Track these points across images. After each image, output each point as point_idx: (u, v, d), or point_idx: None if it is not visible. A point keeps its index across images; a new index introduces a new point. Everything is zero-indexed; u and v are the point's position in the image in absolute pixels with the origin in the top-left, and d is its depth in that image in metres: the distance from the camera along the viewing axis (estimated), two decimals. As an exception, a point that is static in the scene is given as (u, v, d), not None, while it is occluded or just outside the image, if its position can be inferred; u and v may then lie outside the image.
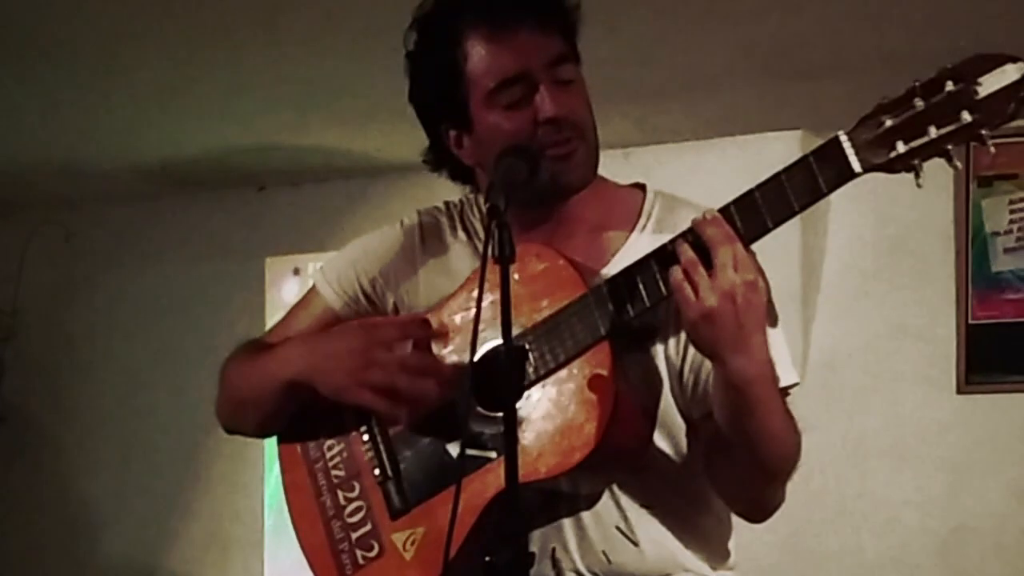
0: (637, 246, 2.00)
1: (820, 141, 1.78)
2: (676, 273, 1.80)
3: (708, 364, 1.91)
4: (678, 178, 4.20)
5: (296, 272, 5.19)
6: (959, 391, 4.41)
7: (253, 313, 5.19)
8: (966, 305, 4.39)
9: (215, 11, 3.55)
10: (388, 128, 4.42)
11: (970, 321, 4.39)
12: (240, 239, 5.41)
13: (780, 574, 4.45)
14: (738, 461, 1.90)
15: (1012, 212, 4.35)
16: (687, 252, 1.81)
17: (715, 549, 2.08)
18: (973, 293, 4.39)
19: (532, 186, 1.92)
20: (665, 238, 1.91)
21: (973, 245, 4.37)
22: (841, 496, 4.48)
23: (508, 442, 1.74)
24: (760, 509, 2.01)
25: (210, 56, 3.89)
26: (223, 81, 4.13)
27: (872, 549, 4.49)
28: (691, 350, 1.95)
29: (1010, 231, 4.36)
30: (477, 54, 1.96)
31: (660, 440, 2.01)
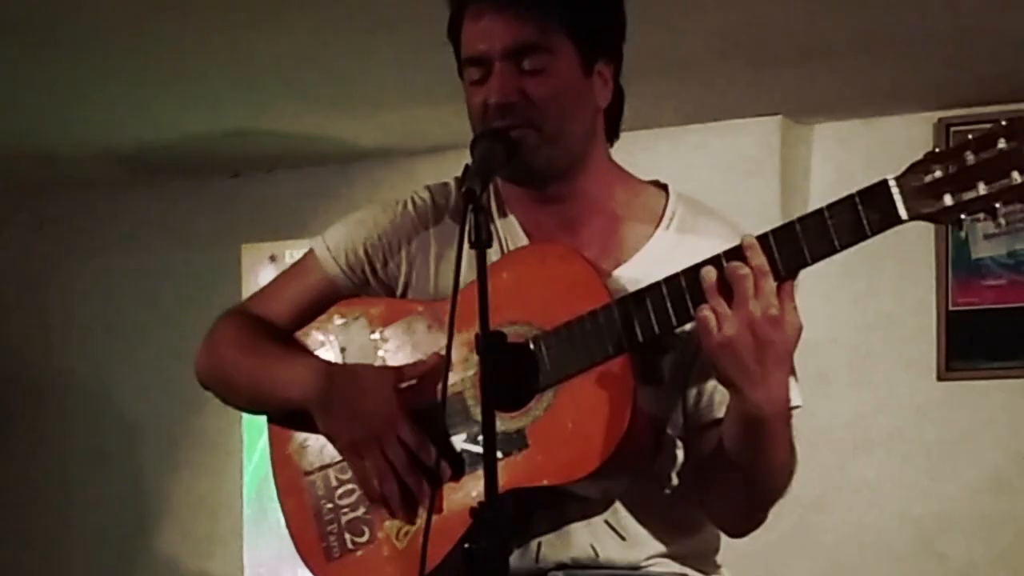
0: (660, 245, 1.99)
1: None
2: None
3: (713, 380, 1.89)
4: (655, 165, 4.13)
5: (272, 259, 5.17)
6: (940, 378, 4.42)
7: (229, 300, 5.11)
8: (946, 291, 4.39)
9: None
10: (363, 114, 4.41)
11: (950, 308, 4.39)
12: (215, 226, 5.37)
13: (760, 559, 4.43)
14: (733, 484, 1.90)
15: (992, 198, 4.34)
16: (711, 278, 1.77)
17: (704, 538, 2.07)
18: (953, 279, 4.38)
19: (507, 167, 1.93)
20: (687, 241, 1.92)
21: (953, 231, 4.36)
22: (822, 482, 4.46)
23: (486, 440, 1.71)
24: (741, 527, 2.01)
25: (183, 43, 3.86)
26: (196, 68, 4.10)
27: (853, 535, 4.49)
28: (697, 361, 1.93)
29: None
30: (463, 29, 1.99)
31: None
